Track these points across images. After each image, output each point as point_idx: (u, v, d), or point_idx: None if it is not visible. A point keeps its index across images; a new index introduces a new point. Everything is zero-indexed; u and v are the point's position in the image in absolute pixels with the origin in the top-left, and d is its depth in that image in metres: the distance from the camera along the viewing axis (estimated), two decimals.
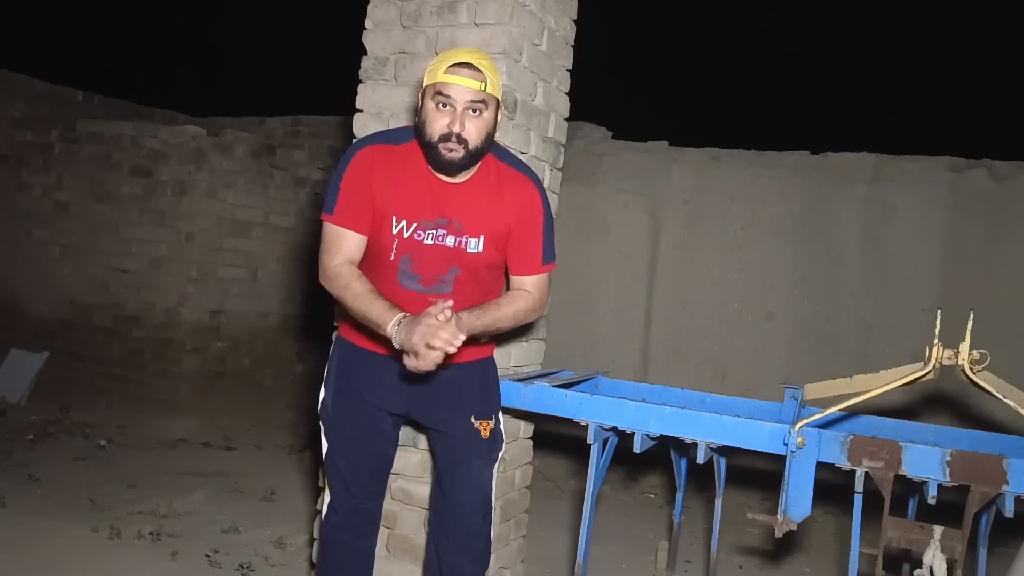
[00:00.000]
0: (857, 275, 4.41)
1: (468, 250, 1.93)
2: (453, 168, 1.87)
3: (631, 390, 2.78)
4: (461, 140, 1.82)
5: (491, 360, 2.17)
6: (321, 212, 1.95)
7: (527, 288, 2.02)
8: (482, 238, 1.94)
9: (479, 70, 1.82)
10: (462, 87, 1.81)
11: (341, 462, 2.07)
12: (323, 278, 1.94)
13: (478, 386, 2.09)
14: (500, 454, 2.11)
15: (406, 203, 1.91)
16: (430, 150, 1.85)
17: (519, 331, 2.64)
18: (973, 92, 9.88)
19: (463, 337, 1.74)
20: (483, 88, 1.82)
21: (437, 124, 1.82)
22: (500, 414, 2.14)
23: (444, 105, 1.82)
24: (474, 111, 1.83)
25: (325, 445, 2.10)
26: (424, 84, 1.87)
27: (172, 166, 5.23)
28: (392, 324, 1.77)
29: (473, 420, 2.03)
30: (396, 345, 1.77)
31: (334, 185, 1.92)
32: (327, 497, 2.12)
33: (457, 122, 1.81)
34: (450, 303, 1.77)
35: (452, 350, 1.71)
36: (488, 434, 2.04)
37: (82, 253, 5.48)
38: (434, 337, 1.69)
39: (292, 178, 5.86)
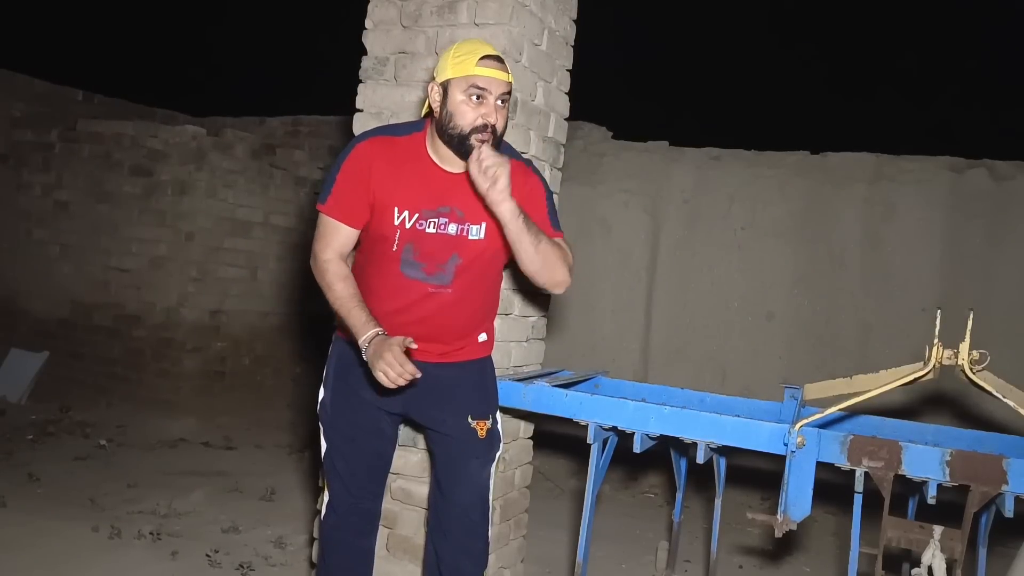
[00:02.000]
0: (857, 275, 4.41)
1: (470, 237, 1.94)
2: None
3: (631, 390, 2.78)
4: (493, 130, 1.86)
5: (489, 360, 2.17)
6: (317, 200, 1.98)
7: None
8: (484, 225, 1.95)
9: (503, 61, 1.88)
10: (496, 80, 1.85)
11: (339, 462, 2.07)
12: (313, 266, 1.99)
13: (475, 386, 2.09)
14: (498, 454, 2.11)
15: (407, 193, 1.92)
16: (461, 142, 1.86)
17: (519, 331, 2.64)
18: (973, 92, 9.87)
19: (414, 375, 1.78)
20: (510, 79, 1.89)
21: (470, 116, 1.85)
22: (498, 414, 2.14)
23: (479, 97, 1.84)
24: (502, 102, 1.88)
25: (324, 445, 2.11)
26: (448, 76, 1.87)
27: (172, 166, 5.23)
28: (363, 340, 1.83)
29: (470, 420, 2.03)
30: (365, 358, 1.83)
31: (331, 176, 1.95)
32: (326, 497, 2.13)
33: (492, 113, 1.85)
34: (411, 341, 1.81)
35: (402, 383, 1.78)
36: (485, 434, 2.05)
37: (82, 253, 5.48)
38: (386, 371, 1.76)
39: (292, 178, 5.86)
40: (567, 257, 2.00)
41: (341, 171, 1.93)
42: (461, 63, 1.85)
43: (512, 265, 2.09)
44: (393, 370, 1.75)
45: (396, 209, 1.92)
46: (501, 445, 2.14)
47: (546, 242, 1.93)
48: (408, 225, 1.92)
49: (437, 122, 1.90)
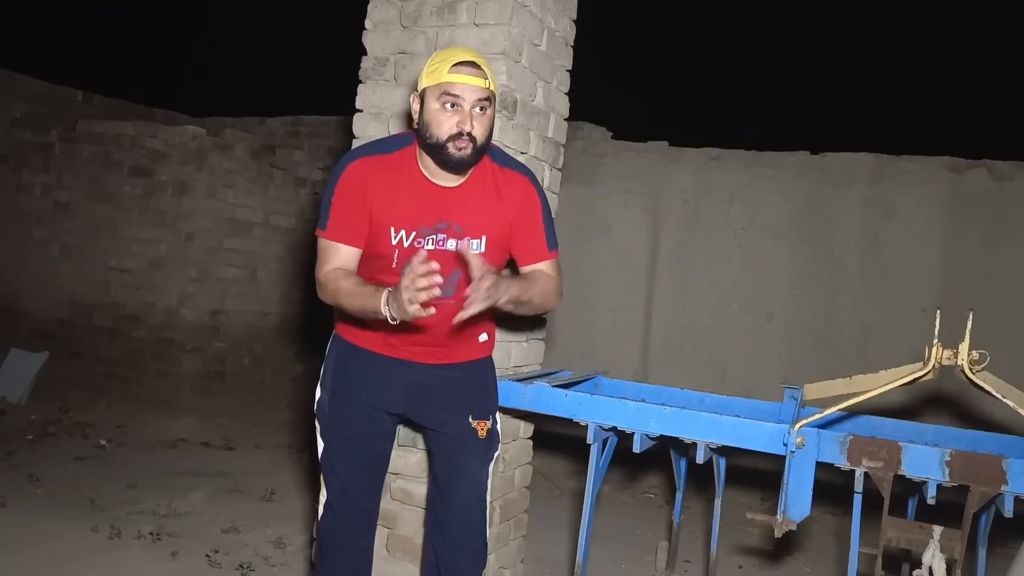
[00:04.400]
0: (857, 275, 4.41)
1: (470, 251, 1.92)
2: (463, 167, 1.86)
3: (631, 390, 2.78)
4: (471, 138, 1.82)
5: (489, 360, 2.17)
6: (316, 226, 1.95)
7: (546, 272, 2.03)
8: (484, 239, 1.93)
9: (480, 67, 1.83)
10: (470, 86, 1.80)
11: (338, 462, 2.06)
12: (318, 290, 1.93)
13: (476, 386, 2.09)
14: (497, 454, 2.11)
15: (403, 212, 1.89)
16: (438, 151, 1.83)
17: (519, 331, 2.64)
18: (973, 92, 9.87)
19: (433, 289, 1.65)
20: (488, 86, 1.83)
21: (446, 124, 1.81)
22: (497, 414, 2.14)
23: (452, 105, 1.81)
24: (480, 109, 1.83)
25: (321, 445, 2.10)
26: (423, 86, 1.85)
27: (172, 166, 5.23)
28: (383, 305, 1.73)
29: (470, 420, 2.03)
30: (398, 320, 1.72)
31: (326, 200, 1.91)
32: (323, 497, 2.11)
33: (467, 121, 1.80)
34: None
35: (436, 292, 1.65)
36: (485, 434, 2.04)
37: (82, 253, 5.48)
38: (413, 291, 1.64)
39: (292, 178, 5.86)
40: (555, 289, 2.02)
41: (336, 193, 1.89)
42: (435, 71, 1.82)
43: (511, 266, 2.10)
44: (417, 295, 1.63)
45: (393, 229, 1.89)
46: (500, 445, 2.14)
47: (537, 296, 1.95)
48: (406, 244, 1.90)
49: (417, 132, 1.88)
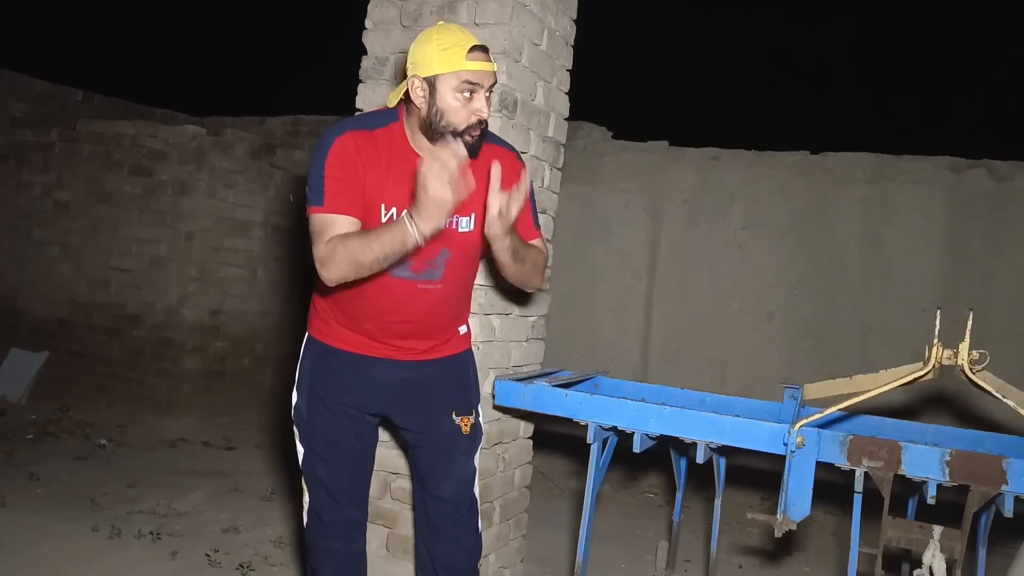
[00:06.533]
0: (857, 275, 4.41)
1: (459, 230, 1.88)
2: (473, 153, 1.81)
3: (631, 390, 2.78)
4: (482, 123, 1.81)
5: (470, 352, 2.13)
6: (308, 208, 1.78)
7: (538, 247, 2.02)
8: (473, 216, 1.89)
9: (487, 50, 1.81)
10: (487, 73, 1.78)
11: (321, 469, 2.01)
12: (321, 268, 1.74)
13: (458, 382, 2.06)
14: (481, 445, 2.10)
15: (395, 190, 1.83)
16: (453, 139, 1.77)
17: (519, 331, 2.64)
18: (973, 92, 9.88)
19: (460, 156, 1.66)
20: (496, 68, 1.83)
21: (463, 112, 1.76)
22: (479, 406, 2.10)
23: (472, 93, 1.77)
24: (489, 93, 1.81)
25: (301, 451, 2.04)
26: (437, 72, 1.75)
27: (172, 166, 5.23)
28: (408, 224, 1.67)
29: (454, 417, 2.00)
30: (428, 234, 1.68)
31: (316, 176, 1.78)
32: (306, 503, 2.07)
33: (486, 108, 1.78)
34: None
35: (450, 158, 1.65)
36: (469, 430, 2.02)
37: (82, 253, 5.48)
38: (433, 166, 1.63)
39: (292, 178, 5.86)
40: (544, 265, 2.00)
41: (328, 167, 1.77)
42: (450, 56, 1.74)
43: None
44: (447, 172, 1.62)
45: (383, 207, 1.83)
46: (484, 437, 2.12)
47: (530, 260, 1.92)
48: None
49: (424, 119, 1.80)
